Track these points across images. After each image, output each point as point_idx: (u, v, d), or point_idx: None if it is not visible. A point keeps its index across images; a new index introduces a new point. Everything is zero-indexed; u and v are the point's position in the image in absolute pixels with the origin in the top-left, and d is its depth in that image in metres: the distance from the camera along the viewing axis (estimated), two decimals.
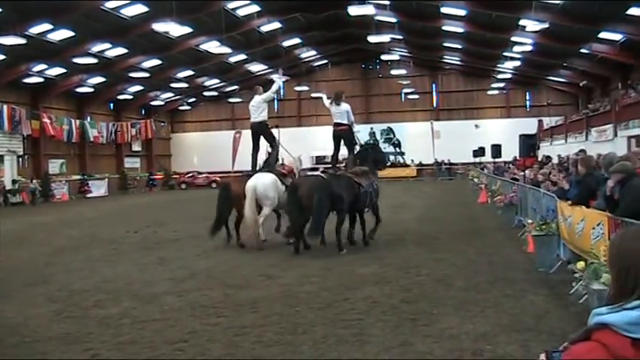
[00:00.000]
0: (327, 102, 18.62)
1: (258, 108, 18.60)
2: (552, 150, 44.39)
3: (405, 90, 66.62)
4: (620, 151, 25.01)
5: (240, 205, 16.84)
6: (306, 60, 63.21)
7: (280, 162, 19.85)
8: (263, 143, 19.17)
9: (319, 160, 62.45)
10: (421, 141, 64.41)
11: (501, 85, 64.10)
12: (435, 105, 68.41)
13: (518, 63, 52.36)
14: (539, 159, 29.37)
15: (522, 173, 22.17)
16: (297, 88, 64.15)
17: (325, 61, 67.01)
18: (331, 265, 13.63)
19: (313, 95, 65.37)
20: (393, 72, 61.64)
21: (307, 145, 64.49)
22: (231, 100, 67.75)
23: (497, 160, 35.31)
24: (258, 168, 18.38)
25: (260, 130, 18.78)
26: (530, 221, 13.69)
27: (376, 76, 68.78)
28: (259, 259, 14.91)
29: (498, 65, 56.88)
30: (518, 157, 28.48)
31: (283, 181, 17.33)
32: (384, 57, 57.50)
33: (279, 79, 19.72)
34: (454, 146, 62.01)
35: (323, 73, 68.48)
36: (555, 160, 28.87)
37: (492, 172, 34.75)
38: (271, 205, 16.97)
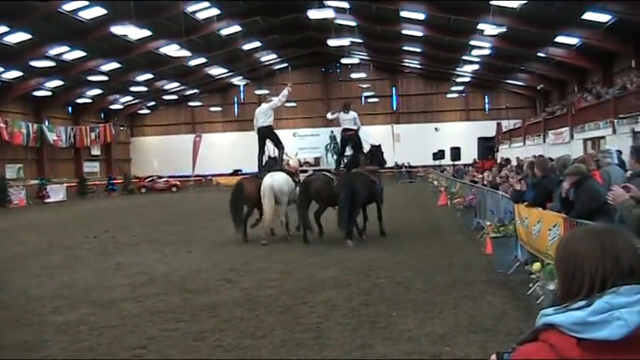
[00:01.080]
0: (331, 116, 21.53)
1: (265, 114, 20.20)
2: (511, 152, 44.88)
3: (365, 93, 66.88)
4: (577, 154, 25.39)
5: (252, 203, 18.91)
6: (267, 63, 63.13)
7: (285, 162, 21.57)
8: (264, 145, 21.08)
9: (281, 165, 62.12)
10: (381, 144, 64.58)
11: (460, 88, 64.82)
12: (395, 108, 68.92)
13: (476, 67, 52.98)
14: (498, 161, 29.66)
15: (481, 176, 22.38)
16: (258, 92, 63.95)
17: (285, 65, 66.93)
18: (291, 269, 13.62)
19: (274, 99, 65.35)
20: (353, 75, 61.98)
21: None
22: (191, 103, 67.38)
23: (456, 162, 35.67)
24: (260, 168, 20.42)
25: (267, 134, 20.50)
26: (488, 223, 13.79)
27: (336, 79, 69.03)
28: (220, 263, 14.84)
29: (457, 69, 57.43)
30: (477, 160, 28.78)
31: (293, 179, 19.59)
32: (344, 60, 57.57)
33: (287, 89, 21.25)
34: (414, 149, 62.42)
35: (283, 77, 68.30)
36: (514, 163, 29.18)
37: (452, 174, 34.99)
38: (286, 201, 18.85)
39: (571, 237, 2.19)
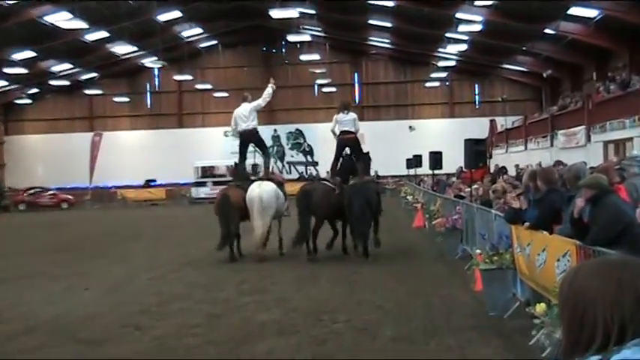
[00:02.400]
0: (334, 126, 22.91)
1: (248, 116, 22.36)
2: (508, 159, 45.45)
3: (319, 81, 67.18)
4: (594, 161, 25.76)
5: (239, 217, 21.15)
6: (190, 40, 62.94)
7: (271, 170, 24.54)
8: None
9: (207, 172, 62.25)
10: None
11: (443, 75, 65.30)
12: (357, 101, 69.29)
13: (464, 47, 53.18)
14: (491, 170, 29.88)
15: (469, 189, 22.53)
16: (178, 78, 63.73)
17: (214, 42, 66.89)
18: (220, 311, 13.55)
19: (199, 87, 65.19)
20: (304, 57, 62.02)
21: (191, 152, 64.31)
22: (89, 91, 66.82)
23: (437, 172, 35.73)
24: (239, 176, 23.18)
25: (251, 138, 22.79)
26: (478, 251, 13.82)
27: (281, 62, 69.19)
28: (125, 303, 14.69)
29: (439, 50, 57.96)
30: (464, 169, 28.91)
31: (282, 190, 22.16)
32: (291, 38, 57.39)
33: (270, 87, 23.21)
34: (382, 154, 62.18)
35: (211, 58, 68.41)
36: (512, 172, 29.41)
37: (431, 187, 35.13)
38: (272, 215, 21.28)
39: (579, 270, 2.18)
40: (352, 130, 22.30)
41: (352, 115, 22.59)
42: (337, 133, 22.55)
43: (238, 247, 21.64)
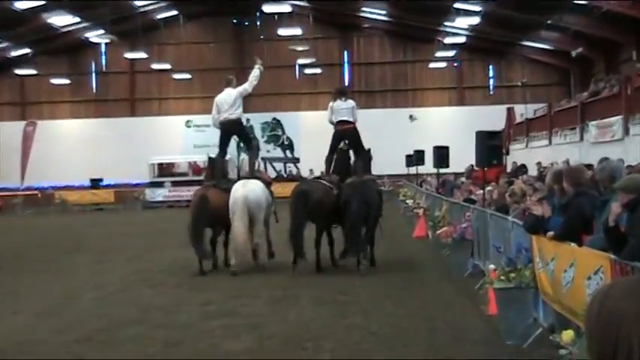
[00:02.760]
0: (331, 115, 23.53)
1: (233, 104, 22.82)
2: (529, 155, 45.50)
3: (301, 60, 67.04)
4: (634, 158, 25.85)
5: (220, 223, 21.70)
6: (144, 10, 62.89)
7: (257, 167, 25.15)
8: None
9: (164, 170, 62.15)
10: (325, 141, 64.63)
11: (450, 54, 65.22)
12: (347, 84, 68.96)
13: (476, 20, 53.18)
14: (508, 169, 29.98)
15: (481, 191, 22.57)
16: (130, 56, 63.55)
17: (174, 13, 66.82)
18: (181, 338, 13.53)
19: (155, 67, 65.04)
20: (283, 32, 62.18)
21: (145, 146, 64.17)
22: (20, 71, 66.49)
23: (442, 170, 35.78)
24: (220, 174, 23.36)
25: (235, 129, 23.52)
26: (492, 267, 13.84)
27: (256, 38, 68.87)
28: (65, 329, 14.61)
29: (446, 23, 57.92)
30: (475, 167, 28.98)
31: (270, 190, 22.77)
32: (267, 8, 57.06)
33: (257, 68, 23.47)
34: (377, 149, 62.45)
35: (171, 32, 68.35)
36: (533, 172, 29.47)
37: (435, 189, 35.16)
38: (264, 219, 21.81)
39: (612, 289, 2.17)
40: (350, 119, 23.00)
41: (350, 103, 23.35)
42: (334, 122, 23.20)
43: (215, 260, 22.06)
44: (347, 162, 23.30)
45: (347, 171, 22.68)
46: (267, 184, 23.12)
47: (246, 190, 21.10)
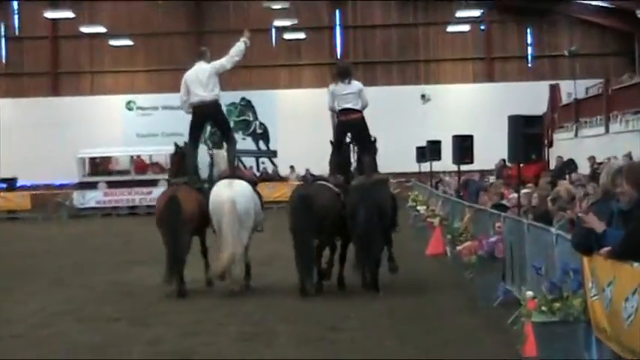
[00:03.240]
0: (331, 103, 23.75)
1: (207, 82, 23.03)
2: (579, 147, 45.68)
3: (279, 23, 66.86)
4: None
5: (191, 229, 22.33)
6: None
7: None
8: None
9: (98, 167, 62.02)
10: (310, 128, 64.82)
11: (476, 13, 65.04)
12: (339, 54, 69.55)
13: None
14: (552, 166, 30.02)
15: (516, 195, 22.58)
16: (51, 15, 63.44)
17: None
18: None
19: (86, 30, 64.95)
20: None
21: (73, 135, 64.14)
22: None
23: (465, 168, 35.77)
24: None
25: (211, 114, 23.90)
26: (530, 294, 13.84)
27: None
28: None
29: None
30: (507, 163, 29.04)
31: (258, 193, 23.43)
32: None
33: (243, 42, 23.54)
34: (379, 139, 62.52)
35: None
36: (585, 169, 29.54)
37: (456, 192, 35.22)
38: (251, 227, 22.50)
39: None
40: (357, 107, 23.03)
41: (356, 85, 23.36)
42: (337, 110, 23.40)
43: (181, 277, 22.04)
44: (347, 157, 23.94)
45: (347, 169, 23.58)
46: (254, 184, 23.59)
47: (233, 193, 21.50)
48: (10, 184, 62.81)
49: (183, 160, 23.80)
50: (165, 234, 21.91)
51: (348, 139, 24.31)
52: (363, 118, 23.42)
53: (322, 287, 22.02)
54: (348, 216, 21.46)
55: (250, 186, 22.72)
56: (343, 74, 23.41)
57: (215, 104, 23.41)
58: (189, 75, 23.21)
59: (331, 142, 24.43)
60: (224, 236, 21.30)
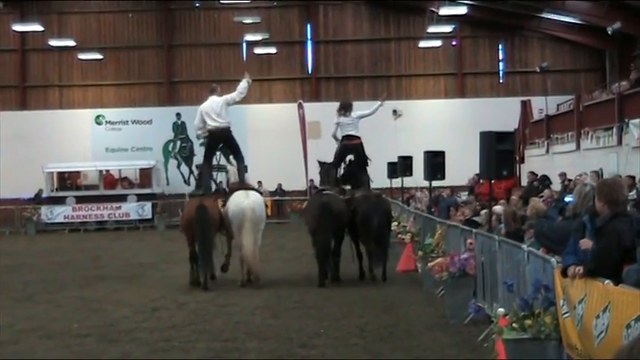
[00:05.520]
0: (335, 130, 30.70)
1: (220, 112, 28.13)
2: (550, 163, 45.78)
3: (250, 37, 66.70)
4: None
5: (215, 233, 27.35)
6: None
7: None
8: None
9: (66, 181, 61.80)
10: (280, 144, 65.62)
11: (448, 29, 65.17)
12: (310, 69, 69.85)
13: None
14: (524, 182, 30.13)
15: (487, 211, 22.68)
16: (19, 28, 63.29)
17: None
18: None
19: (55, 44, 64.84)
20: None
21: (40, 148, 63.91)
22: None
23: (437, 183, 35.85)
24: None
25: (226, 137, 29.04)
26: (501, 311, 13.93)
27: (189, 6, 68.93)
28: None
29: None
30: (479, 179, 29.18)
31: (265, 204, 29.51)
32: None
33: (246, 80, 28.83)
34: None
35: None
36: (556, 185, 29.66)
37: (427, 208, 35.32)
38: (262, 230, 27.61)
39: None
40: (357, 134, 29.58)
41: (356, 115, 29.90)
42: (339, 138, 29.63)
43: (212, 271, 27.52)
44: (334, 173, 29.63)
45: (339, 183, 28.60)
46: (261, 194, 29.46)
47: (251, 202, 26.73)
48: None
49: (201, 176, 30.13)
50: (196, 235, 26.51)
51: (348, 160, 29.90)
52: (362, 144, 29.58)
53: (339, 278, 27.45)
54: (360, 222, 26.76)
55: (262, 197, 28.31)
56: (348, 108, 29.70)
57: (228, 130, 28.47)
58: (205, 107, 28.15)
59: (319, 161, 30.51)
60: (246, 238, 26.10)
